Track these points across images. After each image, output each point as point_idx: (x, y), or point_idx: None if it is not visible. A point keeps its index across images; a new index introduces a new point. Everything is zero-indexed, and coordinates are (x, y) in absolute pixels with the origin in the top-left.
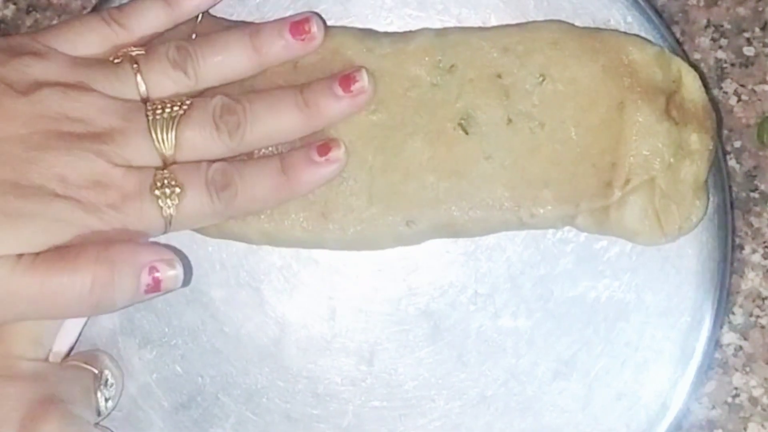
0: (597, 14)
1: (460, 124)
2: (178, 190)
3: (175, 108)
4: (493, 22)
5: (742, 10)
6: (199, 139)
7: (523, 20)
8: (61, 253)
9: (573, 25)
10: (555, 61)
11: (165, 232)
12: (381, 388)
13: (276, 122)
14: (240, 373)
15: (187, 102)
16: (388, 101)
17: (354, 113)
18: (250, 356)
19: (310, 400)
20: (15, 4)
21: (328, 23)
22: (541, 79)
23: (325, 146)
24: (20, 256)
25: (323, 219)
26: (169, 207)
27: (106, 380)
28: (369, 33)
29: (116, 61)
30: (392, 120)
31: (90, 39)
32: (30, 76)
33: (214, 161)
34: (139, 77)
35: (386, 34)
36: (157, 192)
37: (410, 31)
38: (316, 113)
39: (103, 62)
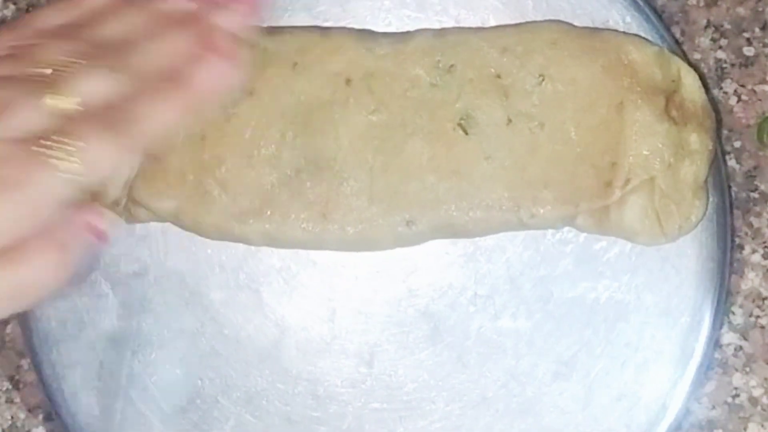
0: (596, 14)
1: (459, 125)
2: (69, 145)
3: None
4: (492, 23)
5: (742, 10)
6: (94, 84)
7: (522, 21)
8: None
9: (572, 25)
10: (554, 62)
11: (84, 190)
12: (381, 389)
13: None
14: (240, 376)
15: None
16: (387, 102)
17: None
18: (250, 358)
19: (309, 402)
20: (15, 4)
21: (327, 24)
22: (540, 79)
23: (210, 40)
24: None
25: (323, 219)
26: (66, 164)
27: None
28: (368, 34)
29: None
30: (392, 120)
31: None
32: None
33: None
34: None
35: (385, 34)
36: (49, 153)
37: (409, 32)
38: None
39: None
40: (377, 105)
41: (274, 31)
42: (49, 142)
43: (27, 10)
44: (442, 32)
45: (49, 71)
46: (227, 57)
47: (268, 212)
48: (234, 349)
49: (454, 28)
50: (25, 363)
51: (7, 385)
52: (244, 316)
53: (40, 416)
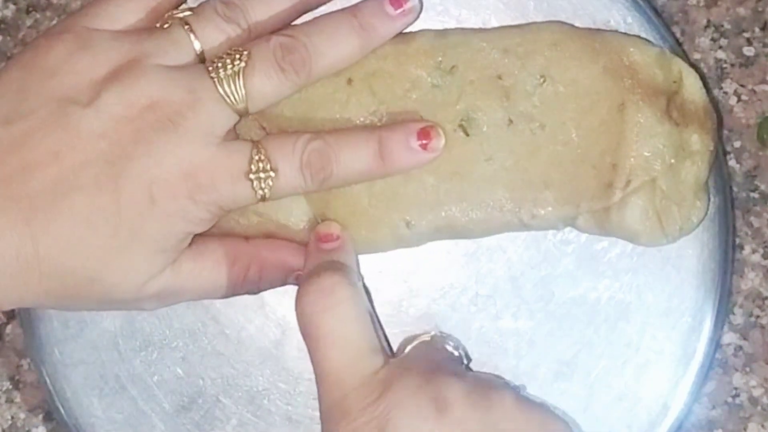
0: (597, 15)
1: (460, 126)
2: (272, 174)
3: (236, 62)
4: (493, 24)
5: (742, 10)
6: (267, 86)
7: (523, 21)
8: (218, 257)
9: (573, 26)
10: (555, 63)
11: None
12: None
13: (336, 51)
14: (241, 375)
15: (245, 51)
16: (389, 102)
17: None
18: (251, 358)
19: (311, 401)
20: (15, 4)
21: None
22: (541, 80)
23: (425, 133)
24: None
25: (325, 217)
26: (262, 189)
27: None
28: None
29: (165, 26)
30: (393, 121)
31: (128, 8)
32: (85, 78)
33: (308, 137)
34: (192, 37)
35: None
36: (251, 176)
37: (410, 32)
38: (373, 34)
39: (151, 30)
40: (378, 105)
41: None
42: (256, 161)
43: (27, 11)
44: (443, 33)
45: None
46: (410, 14)
47: (269, 212)
48: (235, 349)
49: (455, 28)
50: (25, 363)
51: (7, 385)
52: (245, 316)
53: (40, 416)
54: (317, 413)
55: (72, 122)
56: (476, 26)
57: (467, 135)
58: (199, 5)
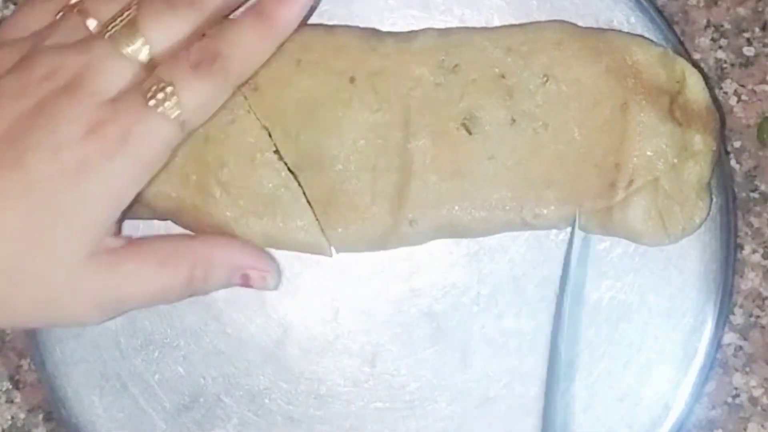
0: (600, 15)
1: (463, 124)
2: (170, 89)
3: (125, 14)
4: (496, 23)
5: (742, 10)
6: (163, 27)
7: (526, 21)
8: (161, 256)
9: (576, 25)
10: (558, 62)
11: (187, 133)
12: (383, 389)
13: None
14: (242, 375)
15: (134, 3)
16: (391, 101)
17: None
18: (253, 357)
19: (312, 401)
20: (15, 4)
21: (332, 24)
22: (544, 79)
23: None
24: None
25: (326, 219)
26: (172, 108)
27: None
28: (372, 32)
29: (58, 16)
30: (395, 119)
31: (34, 15)
32: None
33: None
34: (87, 19)
35: (390, 33)
36: (151, 102)
37: (413, 31)
38: None
39: (48, 24)
40: (381, 104)
41: None
42: (149, 89)
43: None
44: (446, 32)
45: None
46: None
47: (270, 213)
48: (237, 348)
49: (458, 27)
50: (25, 363)
51: (7, 385)
52: (246, 316)
53: (40, 416)
54: (319, 413)
55: None
56: (479, 25)
57: (470, 134)
58: None
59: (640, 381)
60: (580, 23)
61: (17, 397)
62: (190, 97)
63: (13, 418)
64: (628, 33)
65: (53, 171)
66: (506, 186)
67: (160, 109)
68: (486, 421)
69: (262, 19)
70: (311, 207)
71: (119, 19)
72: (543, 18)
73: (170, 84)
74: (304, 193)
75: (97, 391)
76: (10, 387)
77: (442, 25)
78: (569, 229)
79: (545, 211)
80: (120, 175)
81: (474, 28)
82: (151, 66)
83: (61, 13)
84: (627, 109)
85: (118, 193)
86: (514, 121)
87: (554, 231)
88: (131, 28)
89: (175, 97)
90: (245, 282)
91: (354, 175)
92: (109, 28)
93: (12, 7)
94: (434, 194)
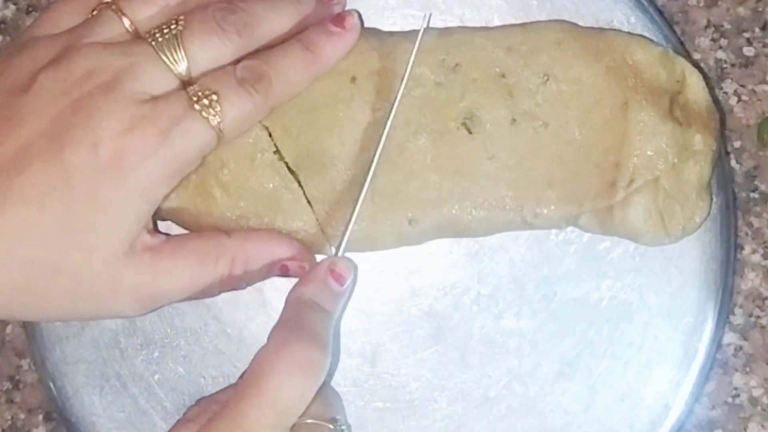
0: (600, 15)
1: (463, 124)
2: (214, 97)
3: (172, 26)
4: (496, 22)
5: (742, 10)
6: (208, 48)
7: (526, 20)
8: (199, 253)
9: (576, 25)
10: (559, 61)
11: (221, 142)
12: (383, 389)
13: (276, 16)
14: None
15: (181, 18)
16: (392, 100)
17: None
18: (253, 357)
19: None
20: (15, 4)
21: None
22: (545, 78)
23: (339, 17)
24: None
25: (327, 218)
26: (213, 116)
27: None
28: (373, 32)
29: (94, 13)
30: (396, 119)
31: (66, 11)
32: (23, 72)
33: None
34: (122, 16)
35: (390, 33)
36: (196, 106)
37: (414, 30)
38: (306, 6)
39: (84, 21)
40: (382, 103)
41: None
42: (195, 92)
43: (27, 11)
44: (447, 31)
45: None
46: (353, 31)
47: (271, 214)
48: (237, 348)
49: (459, 27)
50: (25, 363)
51: (7, 385)
52: (246, 315)
53: (40, 416)
54: None
55: (13, 109)
56: (479, 25)
57: (470, 133)
58: None
59: (641, 381)
60: (580, 23)
61: (17, 397)
62: (232, 109)
63: (12, 418)
64: (628, 33)
65: (92, 166)
66: (507, 185)
67: (203, 113)
68: (486, 421)
69: (309, 51)
70: (311, 207)
71: (165, 30)
72: (543, 18)
73: (215, 93)
74: (305, 193)
75: (97, 391)
76: (10, 387)
77: (442, 25)
78: (569, 229)
79: (545, 211)
80: (156, 173)
81: (474, 28)
82: (187, 81)
83: (95, 11)
84: (627, 109)
85: (153, 191)
86: (514, 120)
87: (554, 231)
88: (176, 42)
89: (218, 106)
90: (284, 273)
91: (354, 171)
92: (155, 35)
93: (12, 7)
94: (435, 193)
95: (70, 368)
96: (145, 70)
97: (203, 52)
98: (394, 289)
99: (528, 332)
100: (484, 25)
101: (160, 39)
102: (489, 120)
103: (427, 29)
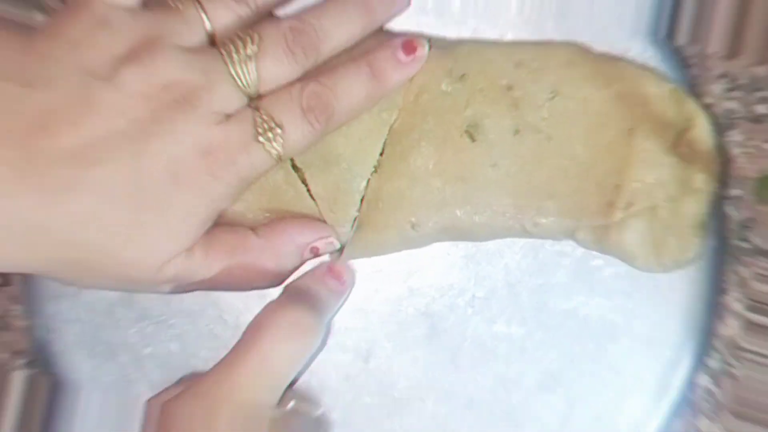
0: (615, 45)
1: (467, 131)
2: (279, 130)
3: (249, 46)
4: (509, 38)
5: (760, 70)
6: (278, 69)
7: (540, 39)
8: (228, 248)
9: (590, 49)
10: (568, 81)
11: (278, 166)
12: (374, 384)
13: (343, 31)
14: None
15: (256, 35)
16: (398, 103)
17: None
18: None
19: (302, 391)
20: None
21: None
22: (552, 95)
23: (409, 45)
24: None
25: (331, 216)
26: (275, 148)
27: (323, 421)
28: (384, 34)
29: (178, 4)
30: (401, 125)
31: None
32: (105, 54)
33: (301, 83)
34: (204, 16)
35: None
36: (261, 139)
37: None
38: (376, 17)
39: (165, 9)
40: (389, 104)
41: None
42: (260, 123)
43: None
44: (457, 42)
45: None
46: (421, 60)
47: (275, 211)
48: (232, 334)
49: (469, 39)
50: (17, 309)
51: None
52: (245, 304)
53: (23, 361)
54: None
55: (92, 96)
56: (492, 38)
57: (473, 140)
58: None
59: (617, 405)
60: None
61: (4, 337)
62: (294, 138)
63: None
64: (641, 64)
65: (165, 179)
66: (507, 193)
67: (266, 146)
68: (467, 424)
69: (376, 79)
70: (316, 204)
71: (242, 49)
72: (557, 38)
73: (280, 125)
74: (309, 191)
75: (86, 352)
76: None
77: (455, 35)
78: (564, 242)
79: (544, 221)
80: (220, 194)
81: (485, 41)
82: (254, 98)
83: (180, 3)
84: (633, 135)
85: (214, 208)
86: (518, 131)
87: (549, 241)
88: (250, 63)
89: (281, 138)
90: (315, 254)
91: (359, 174)
92: (230, 50)
93: None
94: (438, 198)
95: (62, 325)
96: (221, 90)
97: (273, 72)
98: (391, 289)
99: (517, 339)
100: (497, 38)
101: (235, 57)
102: (493, 129)
103: (437, 38)
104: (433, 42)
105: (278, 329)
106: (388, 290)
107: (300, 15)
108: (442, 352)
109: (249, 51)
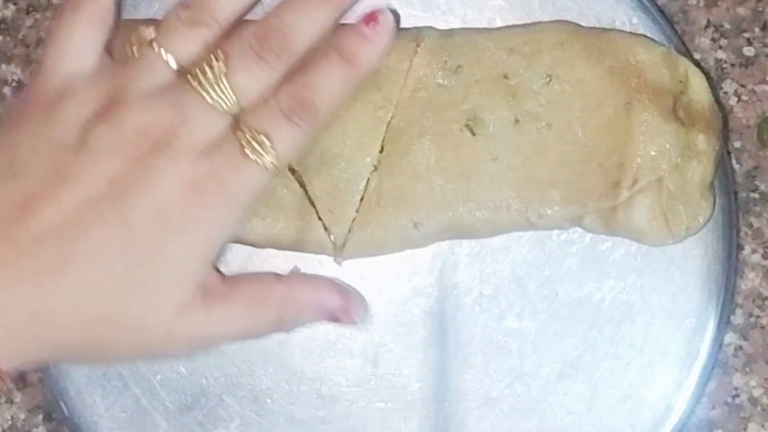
0: (602, 15)
1: (467, 126)
2: (265, 140)
3: (215, 66)
4: (498, 23)
5: (742, 10)
6: (252, 79)
7: (528, 21)
8: (250, 299)
9: (579, 25)
10: (561, 62)
11: (278, 175)
12: (385, 389)
13: (310, 23)
14: (244, 375)
15: (220, 52)
16: (394, 100)
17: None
18: (255, 357)
19: (314, 401)
20: (15, 4)
21: None
22: (547, 79)
23: (370, 16)
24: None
25: (330, 217)
26: (268, 159)
27: None
28: None
29: (134, 52)
30: (400, 121)
31: (79, 47)
32: (73, 124)
33: (276, 89)
34: (165, 54)
35: None
36: (249, 154)
37: (416, 28)
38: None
39: (123, 61)
40: (384, 102)
41: None
42: (245, 139)
43: (27, 11)
44: (448, 33)
45: (207, 73)
46: (388, 31)
47: (272, 214)
48: (239, 348)
49: (460, 28)
50: None
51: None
52: None
53: (40, 416)
54: (321, 413)
55: (66, 167)
56: (481, 26)
57: (474, 134)
58: (163, 18)
59: (643, 381)
60: (582, 23)
61: (17, 397)
62: (284, 144)
63: (12, 418)
64: (630, 33)
65: (156, 226)
66: (510, 186)
67: (256, 159)
68: (488, 422)
69: (346, 61)
70: (314, 206)
71: (208, 70)
72: (545, 18)
73: (265, 134)
74: (306, 192)
75: (99, 391)
76: (11, 387)
77: (444, 26)
78: (572, 230)
79: (549, 212)
80: (219, 223)
81: (476, 29)
82: (236, 114)
83: (136, 47)
84: (631, 109)
85: (217, 238)
86: (517, 121)
87: (556, 231)
88: (222, 83)
89: (270, 147)
90: (333, 320)
91: (358, 174)
92: (198, 78)
93: (12, 7)
94: (439, 196)
95: (72, 368)
96: (197, 119)
97: (248, 84)
98: (396, 290)
99: (530, 332)
100: (486, 26)
101: (204, 82)
102: (492, 121)
103: (429, 30)
104: (425, 34)
105: None
106: (392, 291)
107: (261, 19)
108: (453, 351)
109: (217, 71)
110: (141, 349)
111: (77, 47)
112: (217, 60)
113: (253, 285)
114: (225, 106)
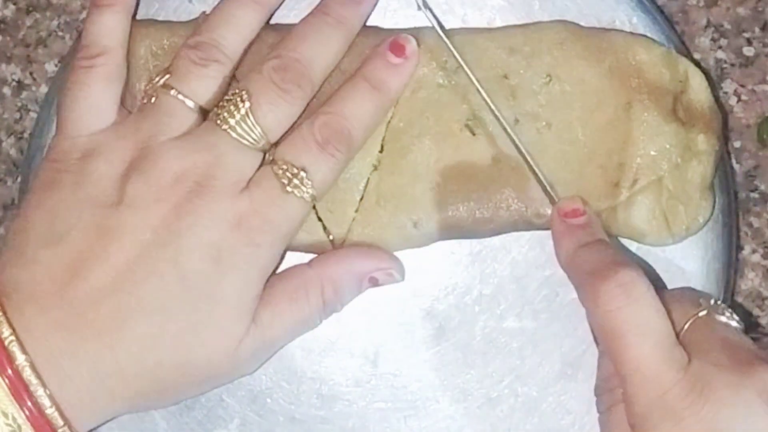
0: (602, 15)
1: (467, 125)
2: (303, 174)
3: (239, 105)
4: (498, 23)
5: (742, 10)
6: (278, 113)
7: (528, 21)
8: (289, 293)
9: (579, 25)
10: (561, 62)
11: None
12: (385, 389)
13: (327, 50)
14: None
15: (243, 91)
16: (395, 101)
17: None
18: None
19: (314, 401)
20: (15, 4)
21: None
22: (547, 79)
23: (396, 45)
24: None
25: (329, 216)
26: (307, 191)
27: None
28: (374, 30)
29: (152, 100)
30: (400, 121)
31: (98, 104)
32: (105, 181)
33: (309, 120)
34: (182, 98)
35: (390, 31)
36: (289, 189)
37: (415, 28)
38: (349, 25)
39: (142, 111)
40: None
41: (281, 28)
42: (283, 175)
43: (27, 11)
44: (449, 33)
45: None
46: (414, 57)
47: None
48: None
49: (460, 28)
50: None
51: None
52: None
53: None
54: (320, 413)
55: (108, 224)
56: (481, 26)
57: (473, 134)
58: (173, 61)
59: None
60: (582, 23)
61: None
62: (321, 175)
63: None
64: (630, 33)
65: (209, 267)
66: (511, 186)
67: (296, 193)
68: (488, 422)
69: (375, 89)
70: (314, 206)
71: (234, 111)
72: (545, 18)
73: (302, 168)
74: None
75: None
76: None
77: (444, 26)
78: None
79: (549, 211)
80: (268, 257)
81: (476, 29)
82: (269, 149)
83: (149, 96)
84: (631, 109)
85: (266, 271)
86: (517, 121)
87: None
88: (249, 121)
89: (309, 181)
90: (375, 284)
91: (358, 174)
92: (224, 117)
93: (12, 7)
94: (439, 195)
95: None
96: (231, 159)
97: (275, 118)
98: (395, 289)
99: (530, 332)
100: (486, 25)
101: (232, 122)
102: (492, 121)
103: (429, 30)
104: (425, 34)
105: None
106: (391, 291)
107: (276, 52)
108: (452, 351)
109: (243, 110)
110: (211, 381)
111: (97, 105)
112: (241, 99)
113: (287, 281)
114: (255, 143)
